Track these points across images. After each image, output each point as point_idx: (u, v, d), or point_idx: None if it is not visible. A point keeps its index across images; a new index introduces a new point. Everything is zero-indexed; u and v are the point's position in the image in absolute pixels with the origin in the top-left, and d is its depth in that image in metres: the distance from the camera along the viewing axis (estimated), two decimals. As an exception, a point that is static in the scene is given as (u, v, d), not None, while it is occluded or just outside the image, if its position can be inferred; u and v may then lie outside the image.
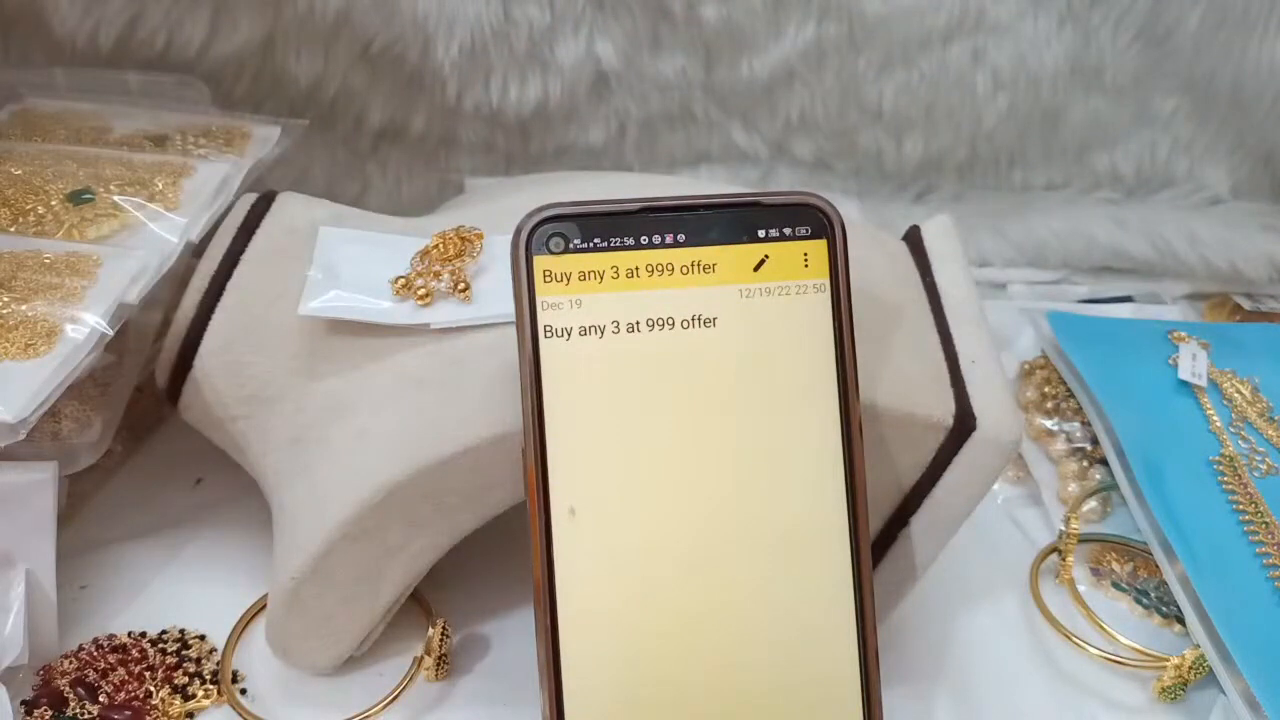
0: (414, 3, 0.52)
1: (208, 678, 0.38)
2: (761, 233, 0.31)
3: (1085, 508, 0.46)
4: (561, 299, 0.30)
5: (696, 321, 0.31)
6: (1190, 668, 0.38)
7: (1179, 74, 0.58)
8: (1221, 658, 0.38)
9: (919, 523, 0.37)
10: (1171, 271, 0.60)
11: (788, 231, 0.31)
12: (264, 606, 0.38)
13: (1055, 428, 0.50)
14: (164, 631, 0.39)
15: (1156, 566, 0.42)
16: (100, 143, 0.45)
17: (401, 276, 0.36)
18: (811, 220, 0.31)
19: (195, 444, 0.41)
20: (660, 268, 0.30)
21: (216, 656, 0.39)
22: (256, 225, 0.39)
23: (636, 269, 0.30)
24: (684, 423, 0.30)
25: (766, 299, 0.31)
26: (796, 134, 0.59)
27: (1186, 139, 0.61)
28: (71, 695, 0.36)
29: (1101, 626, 0.41)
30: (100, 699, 0.36)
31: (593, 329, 0.30)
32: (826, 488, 0.31)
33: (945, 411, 0.35)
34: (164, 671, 0.38)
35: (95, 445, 0.39)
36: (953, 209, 0.60)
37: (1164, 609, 0.42)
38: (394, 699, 0.37)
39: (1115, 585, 0.43)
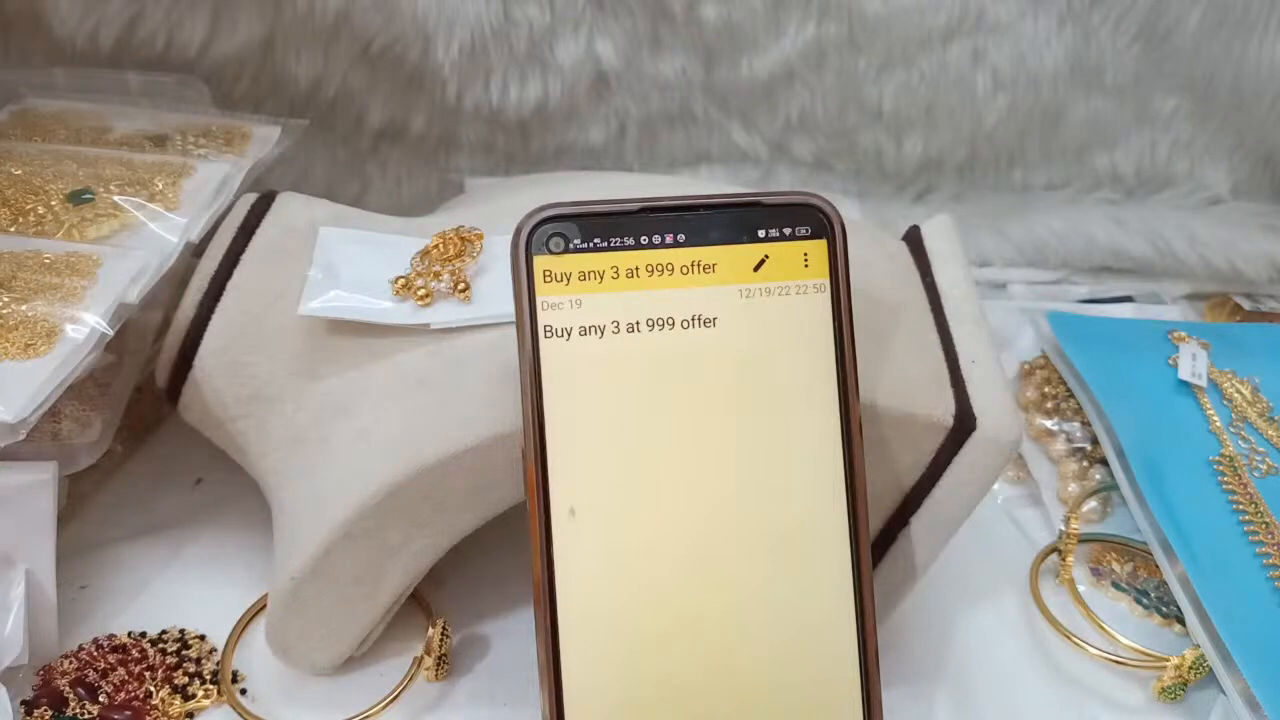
0: (414, 3, 0.52)
1: (208, 678, 0.38)
2: (761, 233, 0.31)
3: (1085, 508, 0.46)
4: (561, 299, 0.30)
5: (696, 321, 0.31)
6: (1190, 668, 0.38)
7: (1179, 74, 0.58)
8: (1221, 658, 0.38)
9: (919, 523, 0.37)
10: (1171, 271, 0.60)
11: (788, 231, 0.31)
12: (264, 606, 0.38)
13: (1055, 428, 0.50)
14: (164, 631, 0.39)
15: (1156, 567, 0.42)
16: (100, 143, 0.45)
17: (401, 276, 0.36)
18: (811, 220, 0.31)
19: (195, 444, 0.41)
20: (660, 268, 0.30)
21: (216, 656, 0.39)
22: (256, 225, 0.39)
23: (636, 269, 0.30)
24: (684, 423, 0.30)
25: (766, 299, 0.31)
26: (796, 134, 0.59)
27: (1186, 139, 0.61)
28: (71, 695, 0.36)
29: (1101, 626, 0.41)
30: (100, 699, 0.36)
31: (593, 329, 0.30)
32: (826, 488, 0.31)
33: (945, 411, 0.35)
34: (164, 671, 0.38)
35: (95, 445, 0.39)
36: (953, 209, 0.60)
37: (1164, 609, 0.42)
38: (394, 699, 0.37)
39: (1115, 585, 0.43)
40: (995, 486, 0.46)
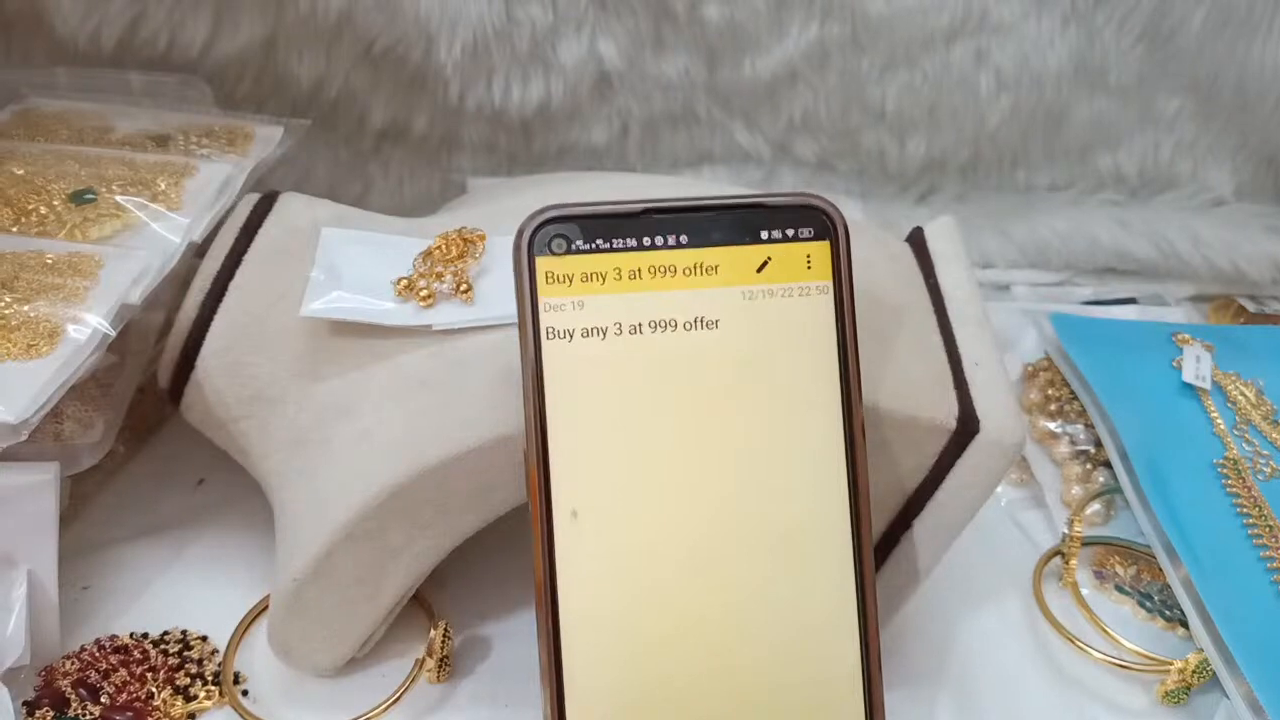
0: (416, 3, 0.52)
1: (209, 679, 0.38)
2: (764, 234, 0.31)
3: (1089, 510, 0.46)
4: (564, 300, 0.30)
5: (699, 323, 0.30)
6: (1194, 671, 0.38)
7: (1183, 75, 0.58)
8: (1225, 661, 0.38)
9: (922, 525, 0.36)
10: (1175, 273, 0.60)
11: (790, 233, 0.31)
12: (266, 608, 0.38)
13: (1059, 430, 0.50)
14: (166, 632, 0.39)
15: (1160, 570, 0.42)
16: (102, 143, 0.45)
17: (404, 277, 0.36)
18: (814, 221, 0.31)
19: (197, 445, 0.41)
20: (663, 269, 0.30)
21: (218, 658, 0.39)
22: (259, 225, 0.39)
23: (639, 270, 0.30)
24: (686, 425, 0.30)
25: (769, 300, 0.31)
26: (799, 134, 0.59)
27: (1190, 140, 0.61)
28: (73, 696, 0.36)
29: (1105, 630, 0.41)
30: (102, 700, 0.36)
31: (595, 330, 0.30)
32: (829, 490, 0.31)
33: (948, 414, 0.35)
34: (166, 672, 0.38)
35: (97, 446, 0.39)
36: (956, 210, 0.60)
37: (1167, 612, 0.42)
38: (396, 700, 0.37)
39: (1119, 588, 0.43)
40: (998, 489, 0.46)
